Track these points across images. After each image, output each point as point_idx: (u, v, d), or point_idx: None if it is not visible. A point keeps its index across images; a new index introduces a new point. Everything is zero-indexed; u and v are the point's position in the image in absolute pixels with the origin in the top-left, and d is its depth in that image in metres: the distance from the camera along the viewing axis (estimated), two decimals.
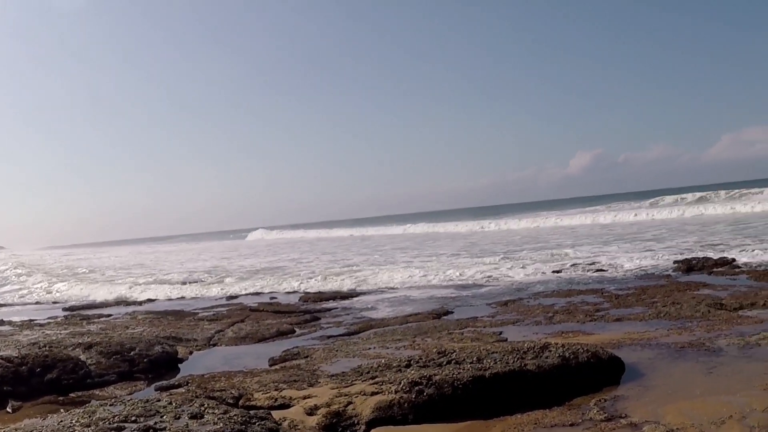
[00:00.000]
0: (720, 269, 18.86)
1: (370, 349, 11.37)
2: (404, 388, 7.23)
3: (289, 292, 23.04)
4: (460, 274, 23.09)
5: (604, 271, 21.15)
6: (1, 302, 27.54)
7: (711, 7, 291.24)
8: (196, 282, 29.45)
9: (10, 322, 17.95)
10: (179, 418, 6.18)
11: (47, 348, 10.89)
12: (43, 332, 15.05)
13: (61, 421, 6.19)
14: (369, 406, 7.12)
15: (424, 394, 7.18)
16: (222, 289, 25.57)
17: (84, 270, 46.03)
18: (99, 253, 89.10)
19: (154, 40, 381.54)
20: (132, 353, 11.29)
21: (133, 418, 6.13)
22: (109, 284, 31.05)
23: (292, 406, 7.66)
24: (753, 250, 22.53)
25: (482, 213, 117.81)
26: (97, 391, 10.08)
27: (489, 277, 22.04)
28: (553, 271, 21.92)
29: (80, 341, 11.89)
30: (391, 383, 7.42)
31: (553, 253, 28.30)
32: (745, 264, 19.53)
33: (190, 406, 6.56)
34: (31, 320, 18.63)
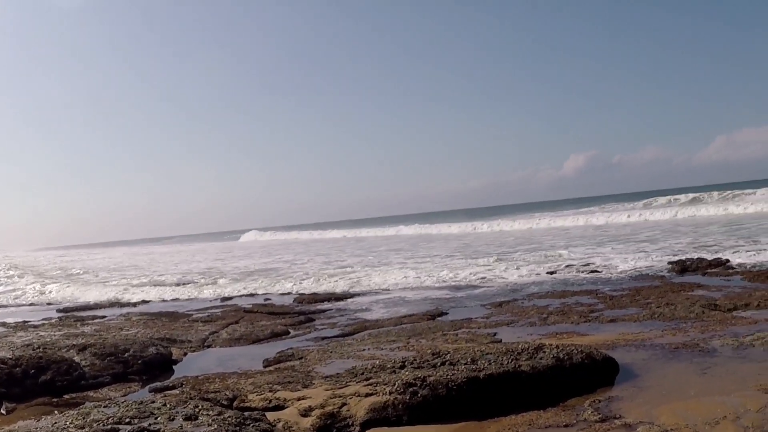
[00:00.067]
0: (714, 270, 18.89)
1: (364, 350, 11.37)
2: (398, 389, 7.23)
3: (283, 294, 23.01)
4: (455, 276, 23.09)
5: (598, 272, 21.17)
6: None
7: (706, 7, 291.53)
8: (191, 283, 29.42)
9: (4, 324, 17.92)
10: (173, 419, 6.18)
11: (41, 349, 10.88)
12: (37, 334, 15.03)
13: (55, 423, 6.18)
14: (363, 408, 7.12)
15: (419, 395, 7.18)
16: (216, 290, 25.53)
17: (78, 271, 45.94)
18: (93, 254, 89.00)
19: (152, 40, 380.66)
20: (126, 355, 11.27)
21: (128, 420, 6.12)
22: (102, 286, 31.00)
23: (287, 407, 7.66)
24: (748, 252, 22.57)
25: (476, 214, 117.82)
26: (91, 393, 10.06)
27: (483, 278, 22.04)
28: (548, 273, 21.93)
29: (74, 343, 11.88)
30: (385, 384, 7.42)
31: (548, 255, 28.32)
32: (739, 265, 19.56)
33: (185, 407, 6.55)
34: (25, 322, 18.59)
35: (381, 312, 16.76)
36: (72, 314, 20.71)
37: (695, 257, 21.29)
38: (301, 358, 11.20)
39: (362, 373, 8.29)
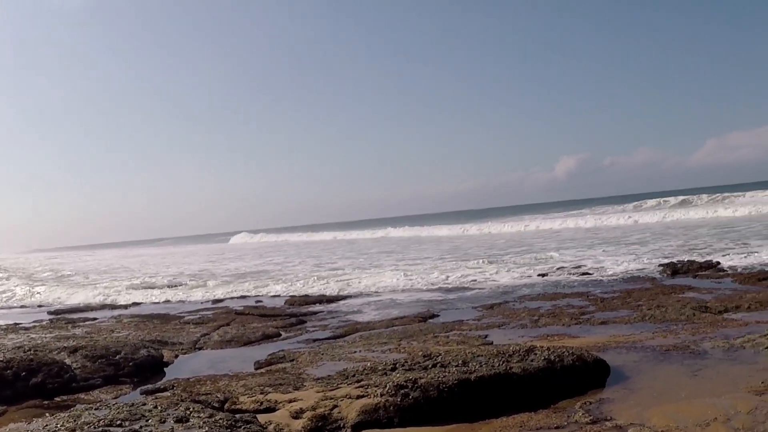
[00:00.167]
0: (705, 272, 18.94)
1: (355, 352, 11.38)
2: (390, 391, 7.24)
3: (274, 296, 22.99)
4: (446, 278, 23.10)
5: (589, 274, 21.21)
6: None
7: (700, 9, 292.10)
8: (182, 285, 29.37)
9: None
10: (164, 421, 6.17)
11: (32, 352, 10.84)
12: (28, 336, 15.02)
13: (46, 426, 6.16)
14: (354, 410, 7.13)
15: (410, 397, 7.19)
16: (208, 292, 25.49)
17: (68, 273, 45.81)
18: (85, 256, 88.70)
19: (150, 41, 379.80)
20: (117, 357, 11.25)
21: (119, 422, 6.11)
22: (92, 288, 30.89)
23: (278, 409, 7.66)
24: (739, 254, 22.64)
25: (467, 217, 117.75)
26: (82, 395, 10.04)
27: (474, 280, 22.05)
28: (539, 275, 21.96)
29: (65, 345, 11.85)
30: (376, 386, 7.43)
31: (539, 257, 28.36)
32: (730, 267, 19.62)
33: (176, 409, 6.54)
34: (15, 324, 18.51)
35: (372, 314, 16.76)
36: (63, 316, 20.65)
37: (686, 259, 21.35)
38: (293, 360, 11.19)
39: (353, 375, 8.29)
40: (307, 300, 20.44)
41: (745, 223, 39.55)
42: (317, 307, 18.96)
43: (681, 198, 74.81)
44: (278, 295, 22.96)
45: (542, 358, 8.08)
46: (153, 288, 29.05)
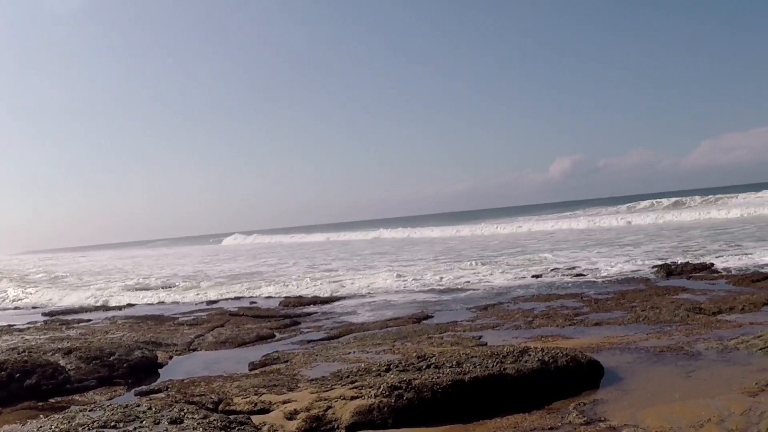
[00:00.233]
0: (699, 274, 18.97)
1: (350, 353, 11.38)
2: (384, 392, 7.25)
3: (268, 297, 22.98)
4: (440, 279, 23.12)
5: (583, 275, 21.24)
6: None
7: (696, 10, 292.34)
8: (176, 287, 29.34)
9: None
10: (159, 423, 6.16)
11: (26, 353, 10.82)
12: (22, 337, 15.00)
13: (41, 427, 6.16)
14: (349, 411, 7.13)
15: (404, 398, 7.19)
16: (202, 293, 25.47)
17: (62, 275, 45.73)
18: (79, 258, 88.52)
19: (147, 43, 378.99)
20: (112, 358, 11.24)
21: (113, 424, 6.10)
22: (86, 289, 30.85)
23: (272, 410, 7.66)
24: (732, 255, 22.72)
25: (462, 218, 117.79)
26: (76, 397, 10.04)
27: (468, 281, 22.07)
28: (533, 276, 21.98)
29: (60, 346, 11.83)
30: (370, 387, 7.43)
31: (533, 258, 28.38)
32: (724, 269, 19.67)
33: (170, 411, 6.54)
34: (9, 325, 18.48)
35: (366, 315, 16.77)
36: (57, 318, 20.61)
37: (680, 261, 21.40)
38: (287, 361, 11.19)
39: (348, 377, 8.30)
40: (301, 301, 20.44)
41: (738, 225, 39.65)
42: (311, 309, 18.97)
43: (674, 199, 74.92)
44: (272, 297, 22.95)
45: (536, 359, 8.09)
46: (147, 289, 29.01)
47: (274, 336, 14.66)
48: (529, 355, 8.22)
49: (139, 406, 6.72)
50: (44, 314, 22.09)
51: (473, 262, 28.14)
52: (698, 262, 20.96)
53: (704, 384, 7.70)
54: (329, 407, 7.30)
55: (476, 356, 8.31)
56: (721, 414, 6.44)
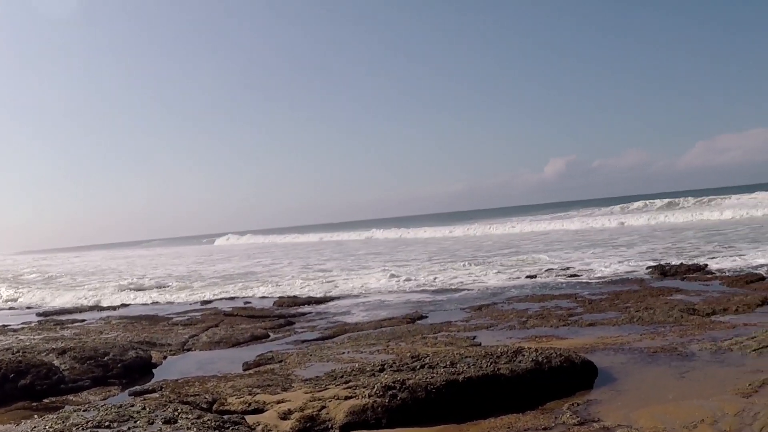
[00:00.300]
0: (693, 275, 19.00)
1: (344, 353, 11.39)
2: (378, 392, 7.25)
3: (263, 297, 22.96)
4: (434, 279, 23.16)
5: (577, 276, 21.26)
6: None
7: (692, 10, 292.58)
8: (171, 287, 29.32)
9: None
10: (153, 423, 6.17)
11: (20, 353, 10.80)
12: (16, 337, 14.97)
13: (35, 427, 6.16)
14: (342, 411, 7.14)
15: (398, 398, 7.20)
16: (196, 293, 25.45)
17: (56, 275, 45.65)
18: (73, 258, 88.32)
19: (144, 44, 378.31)
20: (106, 358, 11.23)
21: (107, 424, 6.10)
22: (81, 289, 30.81)
23: (266, 410, 7.66)
24: (726, 257, 22.79)
25: (456, 218, 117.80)
26: (71, 397, 10.02)
27: (462, 282, 22.09)
28: (527, 276, 22.00)
29: (54, 346, 11.81)
30: (364, 387, 7.44)
31: (527, 259, 28.42)
32: (718, 270, 19.70)
33: (164, 411, 6.54)
34: (4, 326, 18.44)
35: (361, 315, 16.77)
36: (51, 318, 20.55)
37: (674, 262, 21.46)
38: (281, 361, 11.19)
39: (342, 376, 8.30)
40: (295, 301, 20.43)
41: (731, 226, 39.75)
42: (306, 309, 18.97)
43: (667, 200, 75.03)
44: (267, 297, 22.93)
45: (530, 359, 8.11)
46: (141, 289, 28.98)
47: (269, 336, 14.66)
48: (523, 356, 8.23)
49: (133, 406, 6.72)
50: (38, 314, 22.02)
51: (467, 263, 28.16)
52: (692, 263, 21.00)
53: (698, 385, 7.71)
54: (323, 407, 7.30)
55: (470, 356, 8.32)
56: (714, 415, 6.45)
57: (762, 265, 19.78)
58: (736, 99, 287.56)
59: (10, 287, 34.57)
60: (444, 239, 59.32)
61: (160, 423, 6.17)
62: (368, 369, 8.41)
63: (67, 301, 26.38)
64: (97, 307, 23.42)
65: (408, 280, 23.42)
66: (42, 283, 37.50)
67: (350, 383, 7.81)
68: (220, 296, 24.00)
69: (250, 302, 21.72)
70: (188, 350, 13.66)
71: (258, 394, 8.30)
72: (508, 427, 6.79)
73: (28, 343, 13.01)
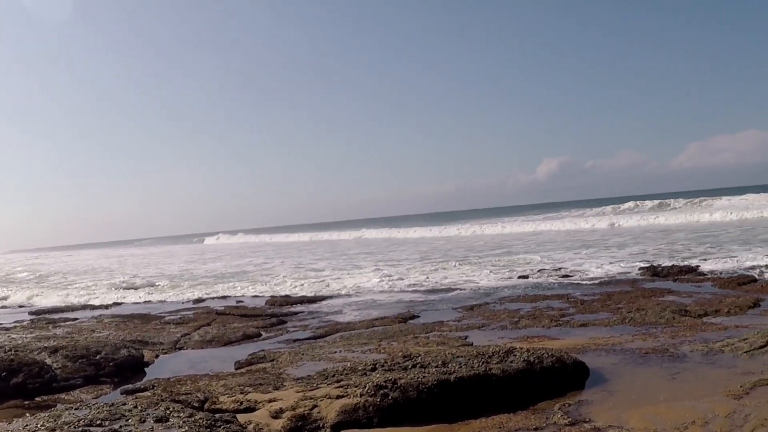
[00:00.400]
0: (685, 276, 19.05)
1: (336, 352, 11.40)
2: (369, 391, 7.26)
3: (255, 296, 22.97)
4: (426, 279, 23.17)
5: (569, 276, 21.30)
6: None
7: (687, 11, 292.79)
8: (163, 285, 29.30)
9: None
10: (144, 421, 6.16)
11: (13, 352, 10.80)
12: (8, 336, 14.97)
13: (27, 426, 6.15)
14: (334, 410, 7.14)
15: (389, 397, 7.21)
16: (188, 292, 25.44)
17: (47, 274, 45.63)
18: (64, 257, 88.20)
19: (141, 45, 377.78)
20: (98, 357, 11.22)
21: (99, 422, 6.10)
22: (73, 288, 30.78)
23: (258, 409, 7.66)
24: (718, 258, 22.85)
25: (448, 218, 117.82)
26: (63, 395, 10.02)
27: (455, 282, 22.11)
28: (519, 277, 22.03)
29: (46, 345, 11.81)
30: (356, 387, 7.44)
31: (519, 259, 28.45)
32: (710, 271, 19.75)
33: (156, 409, 6.54)
34: None
35: (353, 315, 16.79)
36: (44, 316, 20.54)
37: (666, 263, 21.51)
38: (273, 360, 11.20)
39: (333, 376, 8.31)
40: (288, 300, 20.43)
41: (722, 228, 39.81)
42: (298, 308, 18.96)
43: (658, 202, 75.14)
44: (259, 296, 22.93)
45: (522, 359, 8.12)
46: (134, 288, 28.97)
47: (261, 335, 14.67)
48: (515, 356, 8.24)
49: (125, 404, 6.72)
50: (31, 313, 22.00)
51: (460, 263, 28.20)
52: (684, 264, 21.07)
53: (689, 386, 7.73)
54: (315, 406, 7.30)
55: (462, 356, 8.33)
56: (705, 416, 6.47)
57: (754, 267, 19.83)
58: (731, 100, 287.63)
59: (1, 286, 34.50)
60: (436, 239, 59.36)
61: (152, 421, 6.17)
62: (360, 368, 8.42)
63: (57, 300, 26.24)
64: (89, 306, 23.39)
65: (400, 279, 23.47)
66: (33, 282, 37.43)
67: (342, 382, 7.81)
68: (212, 295, 24.00)
69: (242, 301, 21.73)
70: (180, 349, 13.66)
71: (250, 392, 8.30)
72: (499, 427, 6.80)
73: (20, 342, 13.01)
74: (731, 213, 50.85)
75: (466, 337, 12.26)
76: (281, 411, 7.33)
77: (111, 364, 11.15)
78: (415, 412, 7.20)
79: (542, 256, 29.52)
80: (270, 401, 7.73)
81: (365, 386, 7.36)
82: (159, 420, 6.23)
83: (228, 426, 6.45)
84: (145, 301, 24.02)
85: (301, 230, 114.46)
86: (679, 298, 15.12)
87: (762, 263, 20.52)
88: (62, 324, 17.85)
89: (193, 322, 16.97)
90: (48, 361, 10.80)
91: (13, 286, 33.92)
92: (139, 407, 6.57)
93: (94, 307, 22.82)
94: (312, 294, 21.90)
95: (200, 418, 6.39)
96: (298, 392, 7.78)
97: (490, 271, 23.99)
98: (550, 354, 8.34)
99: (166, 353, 13.20)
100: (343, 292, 21.85)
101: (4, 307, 26.38)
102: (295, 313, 17.81)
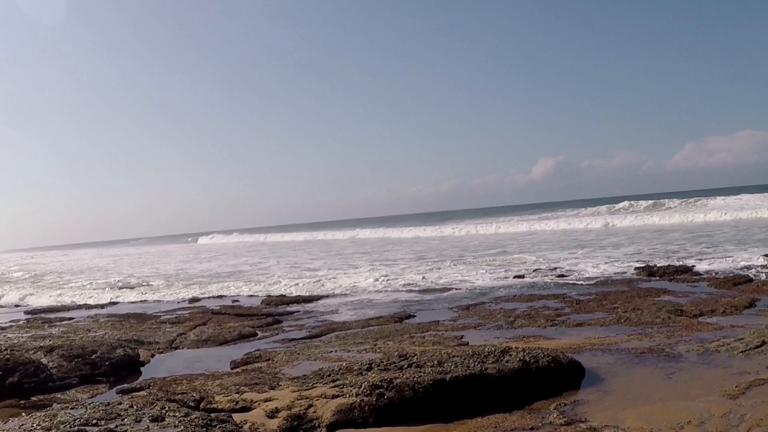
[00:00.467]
0: (680, 276, 19.05)
1: (331, 352, 11.39)
2: (365, 391, 7.26)
3: (251, 295, 22.95)
4: (422, 278, 23.15)
5: (565, 276, 21.29)
6: None
7: (683, 12, 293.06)
8: (158, 285, 29.27)
9: None
10: (140, 421, 6.16)
11: (8, 351, 10.78)
12: (4, 335, 14.95)
13: (23, 425, 6.14)
14: (330, 409, 7.14)
15: (385, 397, 7.20)
16: (184, 291, 25.41)
17: (43, 273, 45.56)
18: (60, 256, 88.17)
19: (139, 45, 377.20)
20: (94, 356, 11.22)
21: (94, 422, 6.09)
22: (69, 288, 30.74)
23: (253, 408, 7.66)
24: (713, 258, 22.87)
25: (444, 218, 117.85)
26: (58, 395, 10.01)
27: (450, 281, 22.08)
28: (515, 276, 22.02)
29: (42, 344, 11.81)
30: (352, 386, 7.44)
31: (515, 259, 28.46)
32: (706, 271, 19.76)
33: (151, 409, 6.53)
34: None
35: (348, 314, 16.78)
36: (39, 316, 20.51)
37: (662, 263, 21.52)
38: (269, 359, 11.19)
39: (329, 375, 8.30)
40: (283, 300, 20.42)
41: (717, 228, 39.88)
42: (294, 307, 18.95)
43: (652, 202, 75.20)
44: (255, 295, 22.92)
45: (517, 359, 8.12)
46: (129, 288, 28.94)
47: (256, 334, 14.66)
48: (511, 355, 8.24)
49: (120, 404, 6.71)
50: (26, 312, 21.97)
51: (455, 262, 28.20)
52: (679, 264, 21.09)
53: (685, 386, 7.73)
54: (310, 406, 7.30)
55: (458, 356, 8.33)
56: (701, 416, 6.48)
57: (749, 267, 19.85)
58: (726, 101, 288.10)
59: None
60: (431, 239, 59.35)
61: (148, 421, 6.17)
62: (356, 368, 8.42)
63: (57, 299, 26.21)
64: (84, 305, 23.35)
65: (396, 279, 23.44)
66: (27, 282, 37.37)
67: (337, 382, 7.81)
68: (207, 294, 23.99)
69: (238, 300, 21.72)
70: (176, 348, 13.65)
71: (245, 392, 8.31)
72: (495, 427, 6.80)
73: (16, 341, 13.01)
74: (726, 213, 51.03)
75: (461, 337, 12.25)
76: (277, 410, 7.32)
77: (107, 363, 11.15)
78: (411, 411, 7.20)
79: (537, 255, 29.53)
80: (266, 401, 7.73)
81: (361, 386, 7.36)
82: (155, 419, 6.22)
83: (224, 425, 6.44)
84: (140, 301, 23.99)
85: (297, 230, 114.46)
86: (675, 298, 15.12)
87: (757, 263, 20.56)
88: (58, 323, 17.83)
89: (188, 321, 16.95)
90: (44, 360, 10.80)
91: (8, 286, 33.83)
92: (135, 407, 6.56)
93: (89, 307, 22.79)
94: (307, 293, 21.88)
95: (196, 418, 6.38)
96: (294, 392, 7.78)
97: (486, 271, 23.98)
98: (545, 354, 8.34)
99: (161, 353, 13.19)
100: (338, 292, 21.83)
101: (0, 306, 26.33)
102: (291, 313, 17.79)
